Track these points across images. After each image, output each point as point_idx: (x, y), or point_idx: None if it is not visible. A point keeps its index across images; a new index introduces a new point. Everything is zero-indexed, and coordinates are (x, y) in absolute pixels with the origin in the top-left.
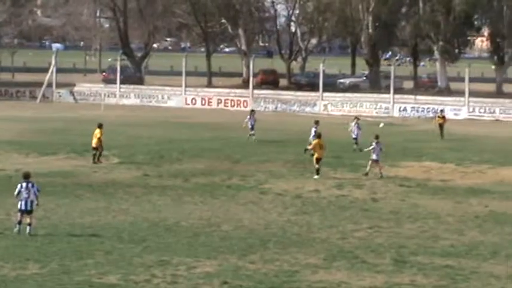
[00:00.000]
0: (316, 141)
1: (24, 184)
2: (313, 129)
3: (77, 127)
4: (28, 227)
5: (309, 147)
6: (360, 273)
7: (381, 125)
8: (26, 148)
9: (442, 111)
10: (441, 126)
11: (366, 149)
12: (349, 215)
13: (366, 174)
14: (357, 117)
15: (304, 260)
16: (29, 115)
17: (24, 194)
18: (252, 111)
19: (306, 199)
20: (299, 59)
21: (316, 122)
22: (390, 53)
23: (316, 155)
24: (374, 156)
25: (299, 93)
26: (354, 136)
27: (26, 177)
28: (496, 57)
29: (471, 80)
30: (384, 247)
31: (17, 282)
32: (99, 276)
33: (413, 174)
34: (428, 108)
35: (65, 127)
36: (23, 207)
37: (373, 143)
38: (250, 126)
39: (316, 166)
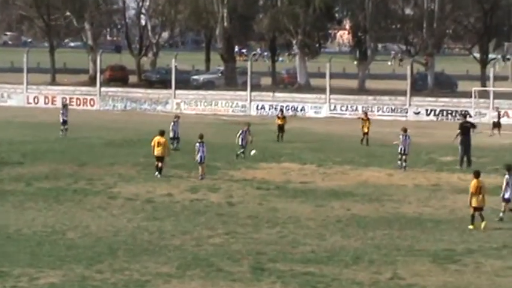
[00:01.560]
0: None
1: None
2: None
3: None
4: None
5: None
6: (215, 282)
7: (253, 152)
8: None
9: (281, 111)
10: (281, 127)
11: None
12: (204, 220)
13: None
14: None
15: (156, 269)
16: None
17: None
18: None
19: (158, 204)
20: (150, 55)
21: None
22: (247, 47)
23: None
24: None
25: (150, 90)
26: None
27: None
28: (358, 52)
29: (332, 75)
30: (241, 254)
31: None
32: None
33: (272, 176)
34: (287, 106)
35: None
36: None
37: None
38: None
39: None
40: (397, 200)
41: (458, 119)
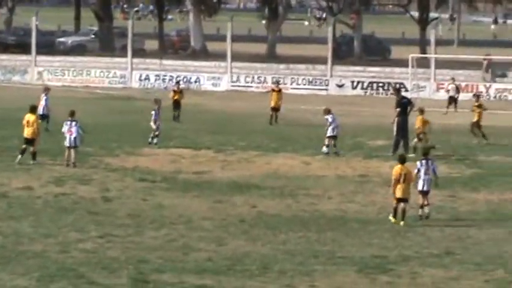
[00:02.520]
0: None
1: None
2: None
3: None
4: None
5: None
6: None
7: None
8: None
9: (178, 83)
10: (177, 103)
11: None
12: (72, 221)
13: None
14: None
15: (11, 281)
16: None
17: None
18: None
19: (13, 199)
20: (3, 10)
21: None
22: (127, 2)
23: None
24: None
25: (3, 56)
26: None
27: None
28: (266, 9)
29: (235, 38)
30: (119, 262)
31: None
32: None
33: (158, 164)
34: (178, 76)
35: None
36: None
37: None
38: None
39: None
40: (315, 195)
41: (392, 94)
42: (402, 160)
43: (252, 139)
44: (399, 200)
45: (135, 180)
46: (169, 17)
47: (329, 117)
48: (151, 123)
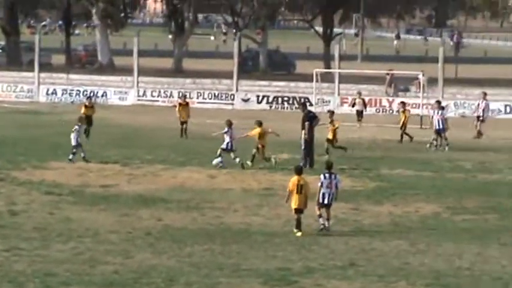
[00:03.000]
0: None
1: None
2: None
3: None
4: None
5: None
6: None
7: None
8: None
9: (89, 98)
10: (89, 119)
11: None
12: None
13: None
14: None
15: None
16: None
17: None
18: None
19: None
20: None
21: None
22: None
23: None
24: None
25: None
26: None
27: None
28: (173, 24)
29: (142, 53)
30: (25, 276)
31: None
32: None
33: (65, 178)
34: (85, 91)
35: None
36: None
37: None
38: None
39: None
40: (220, 208)
41: (296, 108)
42: (299, 171)
43: (159, 153)
44: (296, 211)
45: (41, 193)
46: (77, 31)
47: (226, 129)
48: (72, 140)
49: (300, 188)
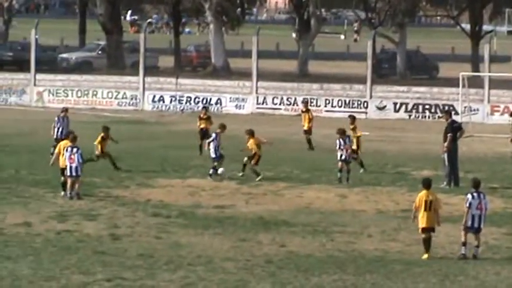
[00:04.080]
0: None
1: None
2: None
3: None
4: None
5: None
6: None
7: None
8: None
9: (205, 108)
10: (204, 133)
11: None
12: (76, 261)
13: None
14: None
15: None
16: None
17: None
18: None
19: (10, 237)
20: None
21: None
22: (139, 14)
23: None
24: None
25: None
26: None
27: None
28: (297, 21)
29: (262, 54)
30: None
31: None
32: None
33: (174, 197)
34: (197, 97)
35: None
36: None
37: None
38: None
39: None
40: (352, 233)
41: (440, 117)
42: (427, 185)
43: (281, 169)
44: (424, 230)
45: (147, 215)
46: (187, 30)
47: (338, 141)
48: (211, 151)
49: (429, 205)
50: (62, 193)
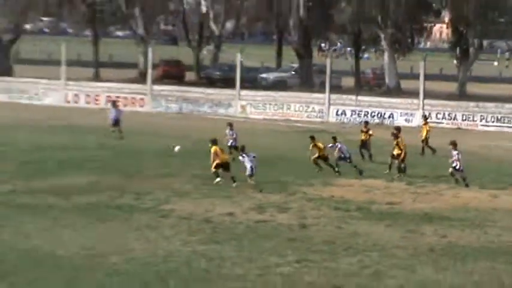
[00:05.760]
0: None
1: None
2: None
3: None
4: None
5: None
6: None
7: (177, 148)
8: None
9: (366, 122)
10: (364, 143)
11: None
12: (271, 246)
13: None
14: None
15: None
16: None
17: None
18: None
19: (218, 224)
20: (210, 47)
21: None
22: (326, 41)
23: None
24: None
25: (210, 90)
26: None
27: None
28: (458, 50)
29: (427, 77)
30: (314, 287)
31: None
32: None
33: (352, 194)
34: (373, 112)
35: None
36: None
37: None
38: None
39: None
40: (502, 227)
41: None
42: None
43: (442, 172)
44: None
45: (330, 209)
46: (365, 55)
47: (454, 153)
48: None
49: None
50: (234, 184)
